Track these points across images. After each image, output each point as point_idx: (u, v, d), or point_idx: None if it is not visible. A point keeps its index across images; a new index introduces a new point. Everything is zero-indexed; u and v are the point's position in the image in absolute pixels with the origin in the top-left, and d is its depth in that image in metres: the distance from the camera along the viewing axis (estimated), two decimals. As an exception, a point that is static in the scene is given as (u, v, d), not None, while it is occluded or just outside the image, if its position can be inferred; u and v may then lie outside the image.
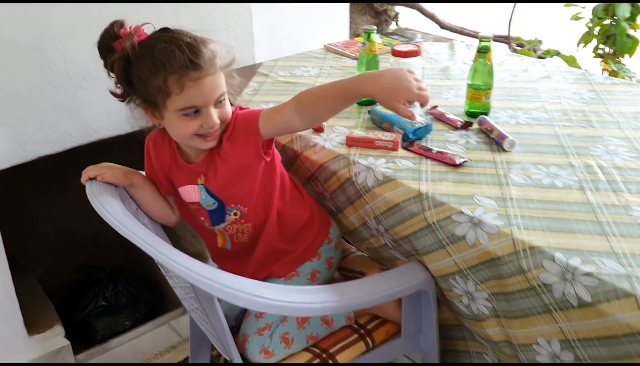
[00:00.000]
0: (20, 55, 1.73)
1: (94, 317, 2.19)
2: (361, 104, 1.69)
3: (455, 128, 1.51)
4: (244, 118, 1.30)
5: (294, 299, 1.14)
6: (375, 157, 1.39)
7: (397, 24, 4.34)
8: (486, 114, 1.57)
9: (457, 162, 1.32)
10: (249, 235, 1.38)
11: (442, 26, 4.14)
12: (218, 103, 1.23)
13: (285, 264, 1.42)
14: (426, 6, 4.10)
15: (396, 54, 1.61)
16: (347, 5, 2.84)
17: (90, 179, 1.29)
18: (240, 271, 1.27)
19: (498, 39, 3.89)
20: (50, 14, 1.74)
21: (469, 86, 1.57)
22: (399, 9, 4.28)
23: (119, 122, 2.00)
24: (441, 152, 1.36)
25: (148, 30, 1.25)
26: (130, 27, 1.23)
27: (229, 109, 1.28)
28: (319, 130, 1.52)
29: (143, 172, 1.41)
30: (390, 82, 1.21)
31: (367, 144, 1.43)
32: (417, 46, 1.62)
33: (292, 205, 1.41)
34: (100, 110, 1.91)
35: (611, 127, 1.50)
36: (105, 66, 1.25)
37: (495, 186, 1.25)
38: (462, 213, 1.16)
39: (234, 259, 1.43)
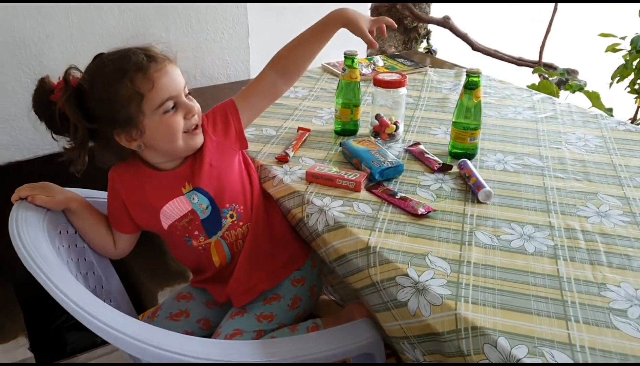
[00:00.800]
0: (-9, 57, 1.67)
1: (65, 330, 2.11)
2: (337, 133, 1.56)
3: (432, 170, 1.36)
4: (220, 105, 1.31)
5: (208, 354, 1.02)
6: (332, 197, 1.25)
7: (427, 43, 4.18)
8: (471, 156, 1.42)
9: (419, 212, 1.18)
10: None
11: (474, 47, 3.97)
12: (187, 96, 1.20)
13: (269, 273, 1.32)
14: (459, 26, 3.94)
15: (377, 83, 1.47)
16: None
17: (22, 198, 1.20)
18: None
19: (527, 63, 3.70)
20: (25, 16, 1.68)
21: (454, 124, 1.42)
22: (430, 27, 4.12)
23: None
24: (404, 199, 1.22)
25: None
26: (59, 77, 1.15)
27: (197, 103, 1.23)
28: (282, 160, 1.40)
29: (80, 192, 1.32)
30: (357, 12, 1.37)
31: (327, 181, 1.29)
32: (402, 76, 1.48)
33: (278, 211, 1.34)
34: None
35: (610, 183, 1.33)
36: (50, 124, 1.15)
37: (455, 245, 1.10)
38: (407, 275, 1.02)
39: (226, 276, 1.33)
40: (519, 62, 3.83)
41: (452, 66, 2.18)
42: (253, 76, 2.13)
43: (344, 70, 1.51)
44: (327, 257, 1.20)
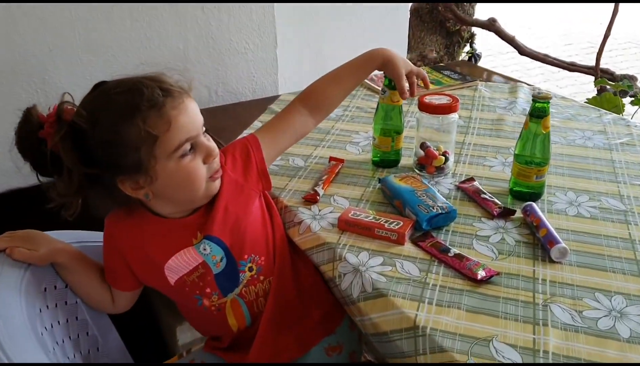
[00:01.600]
0: (-13, 74, 1.49)
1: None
2: (376, 164, 1.34)
3: (491, 216, 1.13)
4: (240, 140, 1.14)
5: None
6: (370, 252, 1.03)
7: (471, 47, 3.91)
8: (537, 196, 1.18)
9: (479, 276, 0.94)
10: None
11: (522, 52, 3.69)
12: (204, 134, 1.00)
13: (298, 336, 1.10)
14: (505, 28, 3.66)
15: (424, 107, 1.24)
16: (406, 22, 2.47)
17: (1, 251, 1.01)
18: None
19: (581, 69, 3.40)
20: (26, 27, 1.50)
21: (516, 157, 1.18)
22: (474, 30, 3.85)
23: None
24: (460, 257, 0.99)
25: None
26: (49, 108, 0.95)
27: (214, 142, 1.03)
28: (311, 200, 1.18)
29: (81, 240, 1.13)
30: (396, 53, 1.23)
31: (364, 231, 1.07)
32: (453, 98, 1.25)
33: (306, 259, 1.12)
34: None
35: None
36: (37, 165, 0.96)
37: (526, 325, 0.86)
38: (467, 371, 0.79)
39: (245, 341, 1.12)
40: (571, 67, 3.54)
41: (504, 78, 1.93)
42: (282, 91, 1.93)
43: (383, 91, 1.28)
44: (364, 328, 0.99)
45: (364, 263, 1.00)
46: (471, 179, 1.25)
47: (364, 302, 0.95)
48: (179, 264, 1.05)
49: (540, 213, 1.08)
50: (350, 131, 1.52)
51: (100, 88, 0.98)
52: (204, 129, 1.01)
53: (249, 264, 1.07)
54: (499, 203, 1.15)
